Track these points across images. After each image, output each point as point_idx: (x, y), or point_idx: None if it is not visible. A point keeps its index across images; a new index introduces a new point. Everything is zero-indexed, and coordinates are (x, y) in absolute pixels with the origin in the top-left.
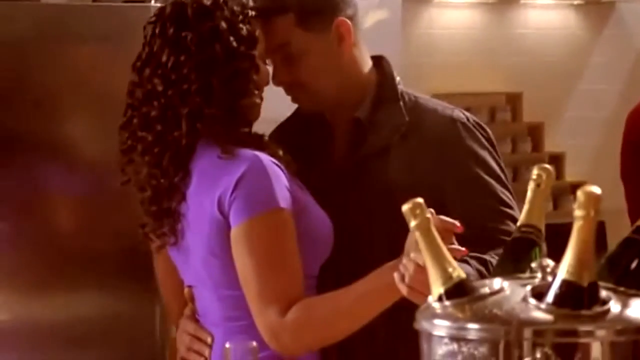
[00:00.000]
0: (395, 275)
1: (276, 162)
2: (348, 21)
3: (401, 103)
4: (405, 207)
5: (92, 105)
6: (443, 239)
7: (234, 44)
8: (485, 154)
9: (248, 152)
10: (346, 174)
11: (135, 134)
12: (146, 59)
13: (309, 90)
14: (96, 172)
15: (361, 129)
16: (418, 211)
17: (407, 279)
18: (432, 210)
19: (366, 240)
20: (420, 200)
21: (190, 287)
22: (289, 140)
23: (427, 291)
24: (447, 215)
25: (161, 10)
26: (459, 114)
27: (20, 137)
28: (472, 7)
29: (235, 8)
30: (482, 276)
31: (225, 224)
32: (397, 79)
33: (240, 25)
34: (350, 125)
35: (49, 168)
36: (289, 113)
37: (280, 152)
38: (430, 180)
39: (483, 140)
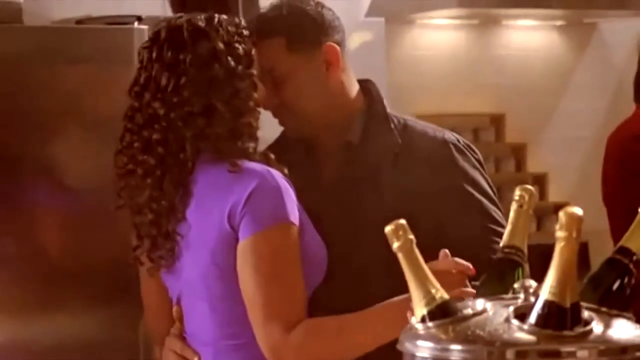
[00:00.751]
0: (409, 314)
1: (285, 178)
2: (336, 46)
3: (392, 125)
4: (388, 229)
5: (77, 126)
6: (458, 281)
7: (232, 63)
8: (476, 174)
9: (259, 167)
10: (337, 197)
11: (135, 158)
12: (144, 83)
13: (296, 114)
14: (82, 192)
15: (352, 152)
16: (401, 232)
17: None
18: (446, 250)
19: (359, 264)
20: (402, 221)
21: (179, 305)
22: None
23: None
24: (442, 236)
25: (155, 34)
26: (450, 136)
27: (5, 156)
28: (455, 29)
29: (230, 28)
30: None
31: (234, 237)
32: (384, 101)
33: (237, 44)
34: (341, 148)
35: (33, 187)
36: (277, 132)
37: (285, 171)
38: (424, 202)
39: (474, 160)
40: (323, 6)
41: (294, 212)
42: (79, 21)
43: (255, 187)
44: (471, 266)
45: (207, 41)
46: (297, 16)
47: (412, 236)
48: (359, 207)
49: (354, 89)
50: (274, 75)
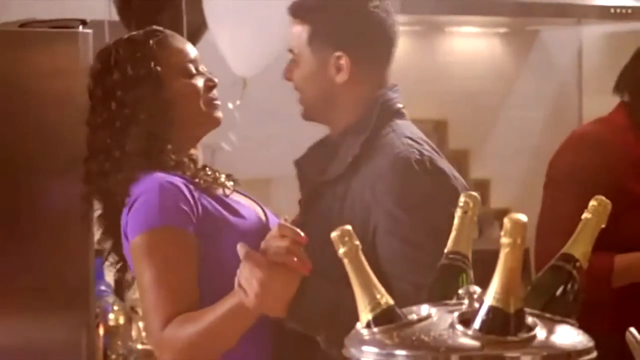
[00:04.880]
0: (242, 295)
1: (177, 184)
2: (346, 58)
3: (366, 135)
4: (334, 234)
5: (20, 129)
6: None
7: (127, 74)
8: (417, 199)
9: (150, 178)
10: (307, 199)
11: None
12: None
13: (301, 96)
14: (31, 195)
15: (327, 155)
16: (346, 238)
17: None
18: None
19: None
20: (348, 227)
21: None
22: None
23: (246, 284)
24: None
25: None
26: (412, 152)
27: None
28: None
29: (128, 46)
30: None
31: None
32: (399, 106)
33: (135, 57)
34: (324, 146)
35: None
36: (222, 138)
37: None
38: (362, 217)
39: (428, 184)
40: (387, 11)
41: (174, 216)
42: (23, 24)
43: (137, 195)
44: (302, 234)
45: (109, 66)
46: (335, 15)
47: (357, 242)
48: (316, 212)
49: (368, 98)
50: (292, 54)
